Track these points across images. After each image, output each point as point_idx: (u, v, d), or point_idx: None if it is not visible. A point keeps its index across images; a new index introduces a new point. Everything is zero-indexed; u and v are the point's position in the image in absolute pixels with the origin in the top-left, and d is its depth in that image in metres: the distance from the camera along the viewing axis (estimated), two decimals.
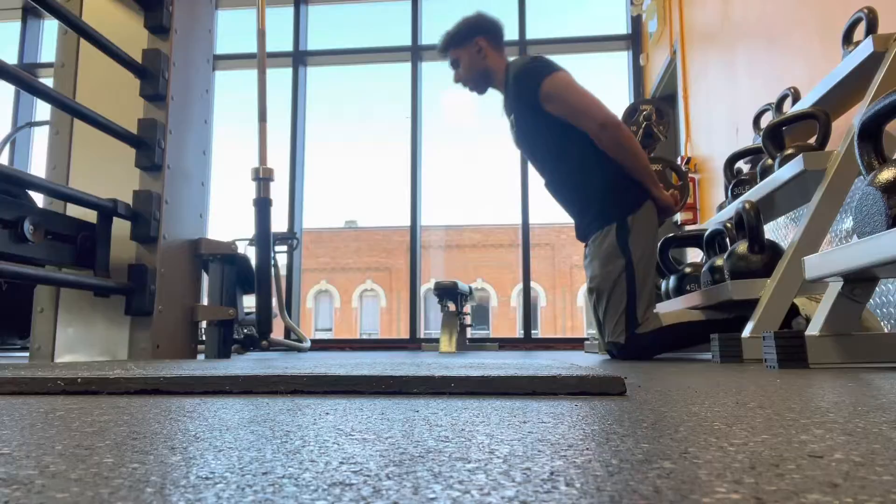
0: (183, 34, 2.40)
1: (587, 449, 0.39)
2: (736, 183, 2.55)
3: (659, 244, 2.69)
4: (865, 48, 1.75)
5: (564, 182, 2.35)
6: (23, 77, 1.82)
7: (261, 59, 2.75)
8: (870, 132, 1.23)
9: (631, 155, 2.19)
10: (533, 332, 14.40)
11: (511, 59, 2.39)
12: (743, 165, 2.77)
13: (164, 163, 2.22)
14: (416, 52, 5.67)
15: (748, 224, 1.94)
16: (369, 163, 29.43)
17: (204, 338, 2.55)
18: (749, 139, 2.92)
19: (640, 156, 2.21)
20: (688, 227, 3.78)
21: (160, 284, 2.16)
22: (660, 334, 2.16)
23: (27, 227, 1.77)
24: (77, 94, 2.31)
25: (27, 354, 2.44)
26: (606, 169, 2.22)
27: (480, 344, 5.35)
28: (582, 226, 2.35)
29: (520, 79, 2.26)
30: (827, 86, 1.98)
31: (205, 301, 2.57)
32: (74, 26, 2.00)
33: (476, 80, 2.39)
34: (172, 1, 2.33)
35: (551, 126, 2.23)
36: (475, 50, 2.34)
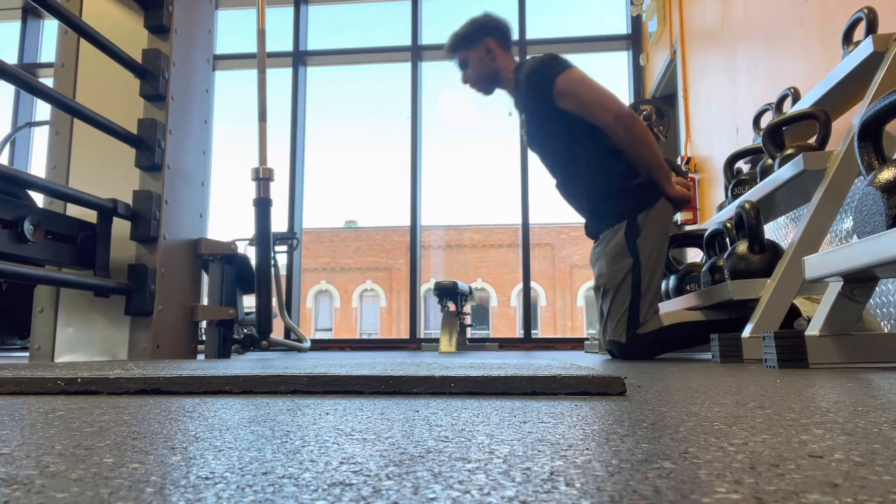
0: (183, 34, 2.40)
1: (587, 449, 0.39)
2: (736, 183, 2.55)
3: None
4: (865, 48, 1.74)
5: (576, 180, 2.34)
6: (23, 77, 1.82)
7: (261, 59, 2.75)
8: (870, 132, 1.23)
9: (646, 147, 2.18)
10: (533, 332, 14.41)
11: (521, 59, 2.38)
12: (743, 165, 2.77)
13: (164, 163, 2.22)
14: (416, 52, 5.67)
15: (748, 224, 1.94)
16: (369, 163, 29.43)
17: (204, 338, 2.55)
18: (749, 139, 2.92)
19: (655, 149, 2.20)
20: (688, 227, 3.78)
21: (160, 284, 2.16)
22: (660, 334, 2.15)
23: (27, 227, 1.77)
24: (77, 94, 2.31)
25: (27, 354, 2.44)
26: (619, 166, 2.21)
27: (480, 344, 5.35)
28: (592, 223, 2.35)
29: (533, 77, 2.26)
30: (827, 86, 1.98)
31: (205, 301, 2.57)
32: (74, 26, 2.00)
33: (485, 80, 2.38)
34: (172, 1, 2.33)
35: (564, 123, 2.22)
36: (484, 51, 2.33)
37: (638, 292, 2.15)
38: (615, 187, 2.23)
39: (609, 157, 2.21)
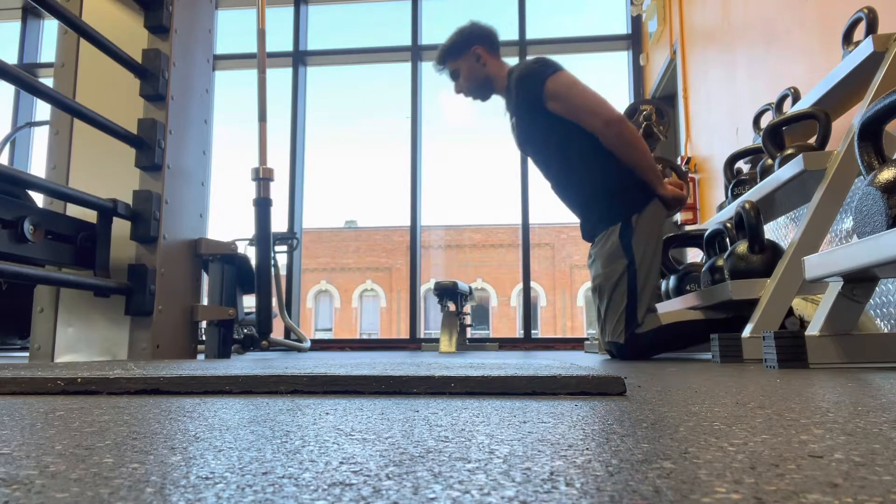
0: (183, 34, 2.40)
1: (587, 449, 0.39)
2: (736, 183, 2.55)
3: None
4: (865, 48, 1.74)
5: (569, 182, 2.34)
6: (23, 77, 1.82)
7: (261, 59, 2.75)
8: (870, 132, 1.23)
9: (636, 151, 2.19)
10: (533, 332, 14.40)
11: (511, 63, 2.38)
12: (743, 165, 2.77)
13: (164, 163, 2.22)
14: (416, 52, 5.67)
15: (748, 224, 1.94)
16: (369, 163, 29.43)
17: (204, 338, 2.55)
18: (749, 139, 2.91)
19: (646, 152, 2.21)
20: (688, 227, 3.78)
21: (160, 284, 2.16)
22: (659, 333, 2.16)
23: (27, 227, 1.77)
24: (77, 94, 2.31)
25: (27, 354, 2.44)
26: (611, 168, 2.21)
27: (480, 344, 5.35)
28: (587, 226, 2.35)
29: (523, 80, 2.26)
30: (827, 86, 1.98)
31: (205, 301, 2.57)
32: (74, 26, 2.00)
33: (478, 88, 2.38)
34: (172, 1, 2.33)
35: (555, 126, 2.23)
36: (474, 58, 2.33)
37: (634, 292, 2.16)
38: (608, 189, 2.23)
39: (600, 159, 2.22)
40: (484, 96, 2.41)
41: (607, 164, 2.21)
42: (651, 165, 2.21)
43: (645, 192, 2.22)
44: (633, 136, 2.19)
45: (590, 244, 2.37)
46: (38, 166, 6.06)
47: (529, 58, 2.35)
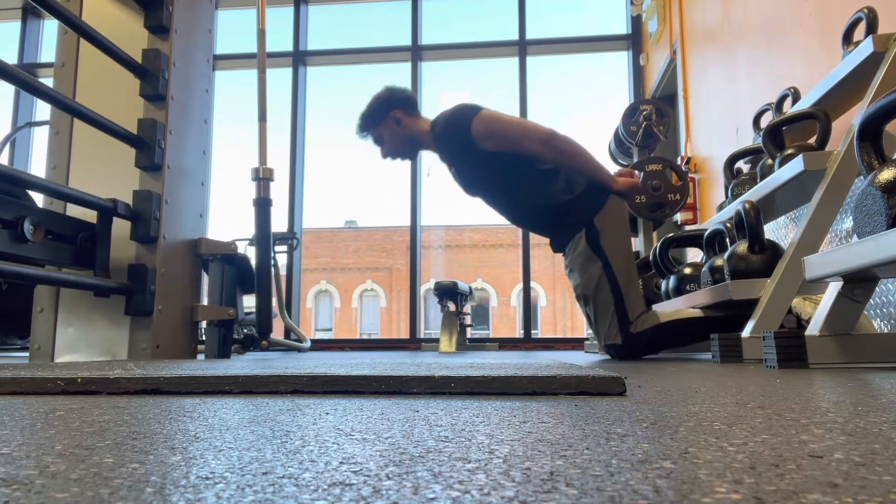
0: (183, 34, 2.40)
1: (587, 449, 0.39)
2: (736, 183, 2.55)
3: (659, 244, 2.69)
4: (865, 48, 1.74)
5: (524, 209, 2.35)
6: (23, 77, 1.82)
7: (261, 59, 2.75)
8: (870, 132, 1.23)
9: (578, 157, 2.20)
10: (533, 332, 14.40)
11: (433, 117, 2.37)
12: (743, 165, 2.77)
13: (164, 163, 2.22)
14: (416, 52, 5.67)
15: (748, 224, 1.94)
16: (369, 163, 29.41)
17: (204, 338, 2.55)
18: (749, 139, 2.91)
19: (587, 155, 2.21)
20: (688, 227, 3.78)
21: (160, 284, 2.16)
22: (657, 331, 2.16)
23: (27, 227, 1.77)
24: (77, 94, 2.31)
25: (27, 354, 2.44)
26: (557, 182, 2.23)
27: (480, 344, 5.35)
28: (555, 241, 2.37)
29: (448, 131, 2.27)
30: (827, 86, 1.98)
31: (205, 301, 2.57)
32: (74, 26, 2.00)
33: (404, 150, 2.40)
34: (172, 1, 2.33)
35: (493, 163, 2.23)
36: (394, 123, 2.35)
37: (618, 290, 2.16)
38: (562, 203, 2.24)
39: (545, 177, 2.24)
40: (412, 156, 2.43)
41: (553, 180, 2.23)
42: (596, 165, 2.22)
43: (598, 191, 2.22)
44: (570, 146, 2.20)
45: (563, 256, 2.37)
46: (38, 166, 6.06)
47: (446, 109, 2.35)
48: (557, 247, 2.37)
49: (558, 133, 2.20)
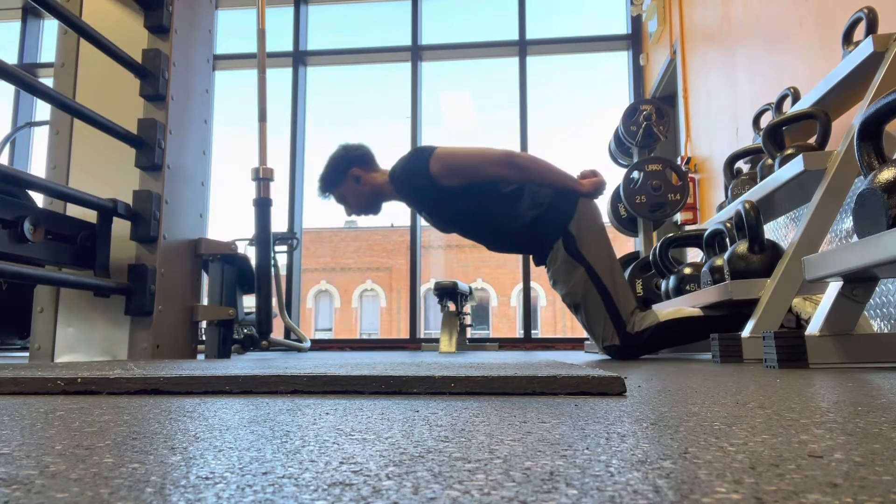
0: (183, 34, 2.39)
1: (587, 449, 0.39)
2: (736, 183, 2.55)
3: (659, 244, 2.69)
4: (865, 48, 1.74)
5: (499, 235, 2.36)
6: (23, 77, 1.82)
7: (261, 59, 2.75)
8: (870, 132, 1.23)
9: (540, 170, 2.21)
10: (533, 332, 14.39)
11: (390, 168, 2.37)
12: (743, 165, 2.77)
13: (164, 163, 2.22)
14: (416, 52, 5.67)
15: (748, 224, 1.94)
16: None
17: (204, 338, 2.55)
18: (749, 139, 2.91)
19: (547, 166, 2.22)
20: (688, 227, 3.78)
21: (160, 284, 2.16)
22: (656, 331, 2.16)
23: (27, 227, 1.77)
24: (77, 94, 2.31)
25: (27, 354, 2.44)
26: (525, 201, 2.24)
27: (480, 344, 5.35)
28: (536, 256, 2.38)
29: (407, 176, 2.27)
30: (827, 86, 1.98)
31: (205, 301, 2.57)
32: (74, 26, 2.00)
33: (368, 205, 2.40)
34: (172, 1, 2.33)
35: (460, 198, 2.24)
36: (353, 181, 2.35)
37: (606, 292, 2.16)
38: (533, 218, 2.24)
39: (510, 200, 2.25)
40: (376, 210, 2.44)
41: (518, 199, 2.24)
42: (559, 173, 2.22)
43: (567, 198, 2.22)
44: (529, 161, 2.22)
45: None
46: (38, 166, 6.06)
47: (401, 157, 2.35)
48: (539, 261, 2.38)
49: (515, 151, 2.22)
